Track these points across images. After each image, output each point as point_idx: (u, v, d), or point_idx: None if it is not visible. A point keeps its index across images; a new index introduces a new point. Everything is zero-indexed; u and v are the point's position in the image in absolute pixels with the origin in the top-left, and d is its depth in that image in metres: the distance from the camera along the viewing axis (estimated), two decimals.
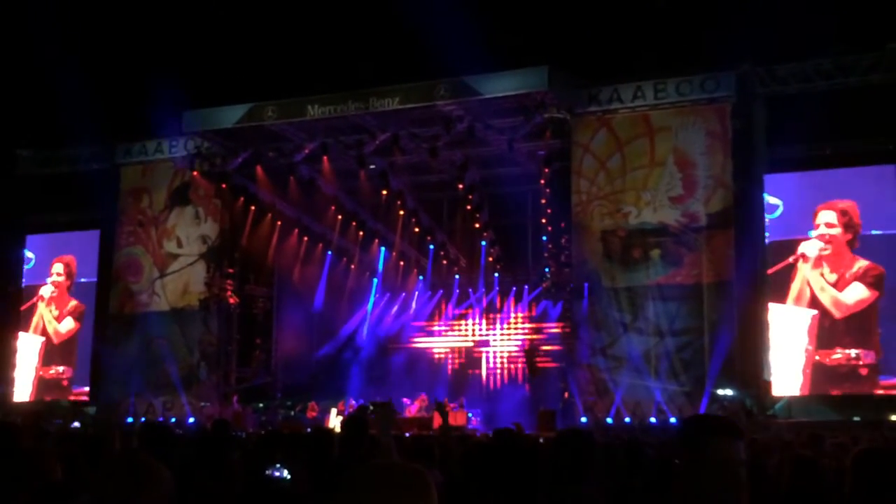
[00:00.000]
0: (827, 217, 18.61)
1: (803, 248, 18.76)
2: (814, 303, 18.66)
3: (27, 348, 24.86)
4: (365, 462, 2.11)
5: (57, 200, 23.93)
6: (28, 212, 24.78)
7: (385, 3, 19.68)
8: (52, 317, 24.69)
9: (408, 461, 2.25)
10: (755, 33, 18.54)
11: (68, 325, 24.56)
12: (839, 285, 18.64)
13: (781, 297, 18.86)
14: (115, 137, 23.59)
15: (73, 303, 24.67)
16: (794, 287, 18.84)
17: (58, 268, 24.85)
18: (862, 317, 18.41)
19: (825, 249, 18.66)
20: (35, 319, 24.86)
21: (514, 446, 3.84)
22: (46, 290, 24.85)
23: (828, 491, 3.80)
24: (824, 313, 18.57)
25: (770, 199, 19.06)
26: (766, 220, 19.03)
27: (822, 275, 18.74)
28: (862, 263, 18.49)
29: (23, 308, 24.88)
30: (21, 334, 24.84)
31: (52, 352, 24.56)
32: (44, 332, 24.75)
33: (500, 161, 21.20)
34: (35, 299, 24.89)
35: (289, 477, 4.46)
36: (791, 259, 18.81)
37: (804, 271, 18.74)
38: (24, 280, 25.17)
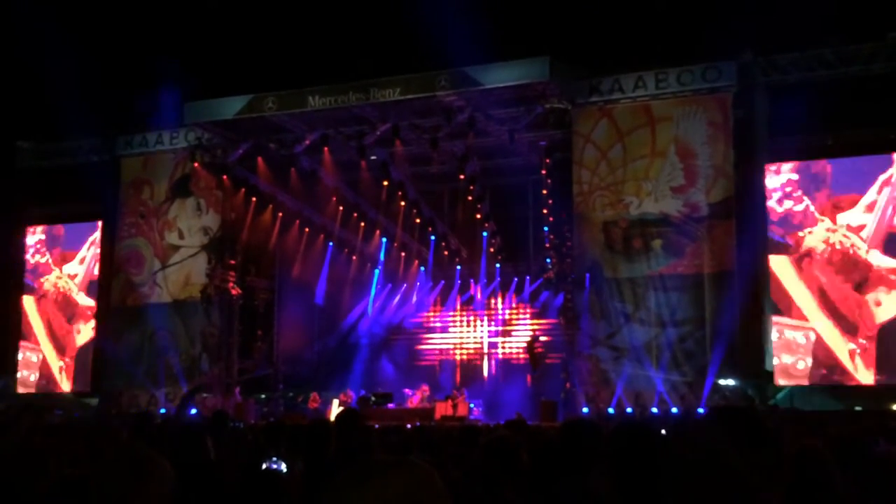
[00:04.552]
0: (841, 205, 18.33)
1: (811, 242, 18.46)
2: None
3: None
4: (362, 456, 2.07)
5: (57, 193, 23.89)
6: (28, 204, 24.75)
7: None
8: (62, 322, 24.29)
9: (406, 455, 2.21)
10: (756, 23, 18.49)
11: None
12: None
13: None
14: (115, 129, 23.54)
15: (89, 303, 24.23)
16: (801, 294, 18.38)
17: (69, 262, 24.64)
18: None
19: (841, 246, 18.14)
20: (37, 327, 24.46)
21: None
22: (52, 288, 24.63)
23: (831, 481, 3.78)
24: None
25: (771, 183, 18.96)
26: (770, 207, 18.94)
27: (837, 279, 18.07)
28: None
29: (24, 309, 24.71)
30: (23, 343, 24.51)
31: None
32: (53, 342, 24.29)
33: (501, 152, 21.15)
34: (37, 296, 24.68)
35: (285, 469, 4.43)
36: (794, 257, 18.46)
37: (814, 274, 18.32)
38: (26, 278, 25.02)
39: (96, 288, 24.15)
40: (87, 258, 24.52)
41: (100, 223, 24.38)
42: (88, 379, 23.70)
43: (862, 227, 18.17)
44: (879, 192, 18.23)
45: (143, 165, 23.65)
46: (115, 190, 23.67)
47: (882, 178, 18.26)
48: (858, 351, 17.88)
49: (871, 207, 18.18)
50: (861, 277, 18.00)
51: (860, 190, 18.38)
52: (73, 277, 24.56)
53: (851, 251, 18.15)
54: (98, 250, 24.33)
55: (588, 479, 3.80)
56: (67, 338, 24.25)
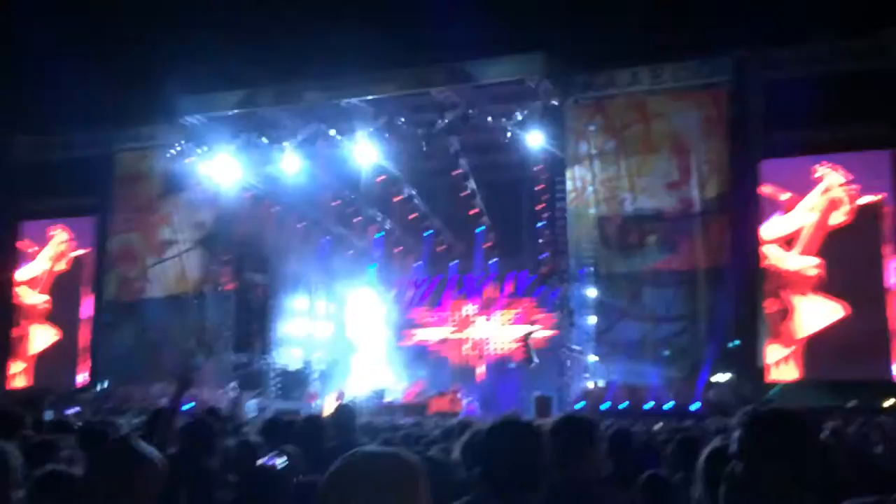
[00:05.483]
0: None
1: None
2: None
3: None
4: (353, 449, 2.16)
5: (52, 187, 23.87)
6: (23, 198, 24.72)
7: None
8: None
9: (393, 447, 2.29)
10: (752, 18, 18.53)
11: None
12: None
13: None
14: (110, 123, 23.54)
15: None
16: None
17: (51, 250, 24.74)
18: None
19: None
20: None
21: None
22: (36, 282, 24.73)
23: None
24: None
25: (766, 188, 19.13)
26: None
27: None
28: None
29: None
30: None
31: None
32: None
33: (495, 147, 21.16)
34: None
35: (285, 464, 4.51)
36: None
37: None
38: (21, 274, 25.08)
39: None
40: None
41: (94, 218, 24.37)
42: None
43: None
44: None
45: (137, 160, 23.66)
46: (110, 184, 23.73)
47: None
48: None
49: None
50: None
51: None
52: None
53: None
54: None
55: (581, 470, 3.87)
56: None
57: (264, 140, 21.58)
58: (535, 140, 20.03)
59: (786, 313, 18.44)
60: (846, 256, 18.21)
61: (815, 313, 18.20)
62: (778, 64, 18.99)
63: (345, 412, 6.02)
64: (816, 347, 18.19)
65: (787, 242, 18.65)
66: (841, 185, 18.45)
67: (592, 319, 19.25)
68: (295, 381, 23.21)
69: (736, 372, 18.13)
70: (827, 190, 18.52)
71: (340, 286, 25.50)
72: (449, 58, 18.75)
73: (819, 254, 18.39)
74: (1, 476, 2.92)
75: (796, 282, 18.41)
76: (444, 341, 24.70)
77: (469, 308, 24.62)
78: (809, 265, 18.34)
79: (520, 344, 22.23)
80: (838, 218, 18.38)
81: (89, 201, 24.14)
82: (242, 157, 21.86)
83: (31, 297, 24.56)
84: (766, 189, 18.84)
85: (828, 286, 18.20)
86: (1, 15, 20.78)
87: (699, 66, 19.14)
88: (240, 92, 20.42)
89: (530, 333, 21.84)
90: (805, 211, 18.63)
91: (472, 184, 21.62)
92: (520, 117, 19.38)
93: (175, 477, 3.07)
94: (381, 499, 2.05)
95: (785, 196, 18.79)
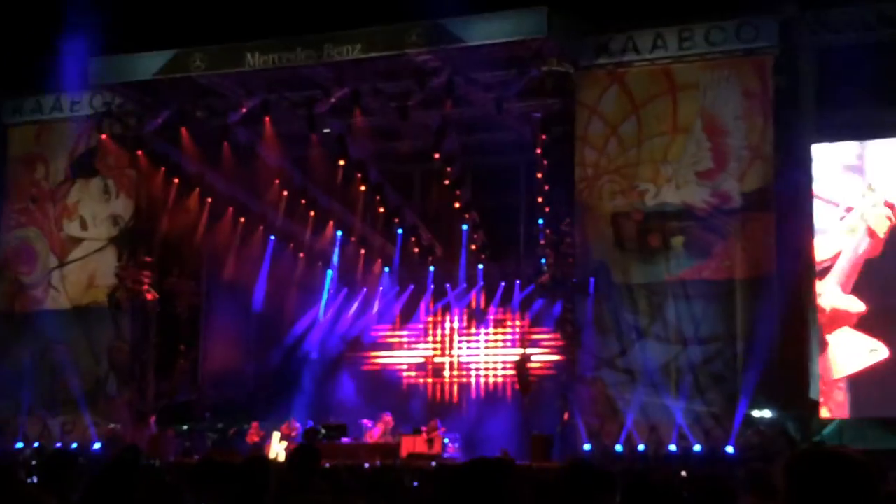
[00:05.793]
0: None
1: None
2: None
3: None
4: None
5: None
6: None
7: None
8: None
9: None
10: None
11: None
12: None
13: None
14: (1, 91, 23.34)
15: None
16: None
17: None
18: None
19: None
20: None
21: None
22: None
23: None
24: None
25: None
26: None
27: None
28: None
29: None
30: None
31: None
32: None
33: (486, 125, 21.23)
34: None
35: None
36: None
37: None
38: None
39: None
40: None
41: None
42: None
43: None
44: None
45: (35, 137, 23.60)
46: (1, 167, 23.55)
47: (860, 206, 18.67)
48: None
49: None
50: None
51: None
52: None
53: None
54: None
55: None
56: None
57: (197, 114, 21.56)
58: (536, 116, 20.07)
59: (822, 347, 18.54)
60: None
61: (854, 352, 18.35)
62: (834, 26, 19.06)
63: (304, 454, 5.94)
64: (856, 387, 18.31)
65: (822, 271, 18.64)
66: (886, 203, 18.50)
67: (603, 340, 19.25)
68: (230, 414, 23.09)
69: (782, 407, 18.16)
70: (864, 213, 18.63)
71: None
72: (430, 14, 18.72)
73: (857, 286, 18.44)
74: None
75: (833, 319, 18.53)
76: (417, 366, 24.64)
77: (449, 325, 24.56)
78: (851, 304, 18.44)
79: (512, 370, 22.18)
80: (877, 245, 18.43)
81: None
82: (169, 134, 21.79)
83: None
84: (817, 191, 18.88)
85: (868, 322, 18.31)
86: None
87: (738, 27, 19.21)
88: (167, 52, 20.33)
89: (526, 357, 21.76)
90: (844, 233, 18.69)
91: (456, 169, 21.60)
92: (517, 88, 19.41)
93: None
94: None
95: (838, 202, 18.83)
